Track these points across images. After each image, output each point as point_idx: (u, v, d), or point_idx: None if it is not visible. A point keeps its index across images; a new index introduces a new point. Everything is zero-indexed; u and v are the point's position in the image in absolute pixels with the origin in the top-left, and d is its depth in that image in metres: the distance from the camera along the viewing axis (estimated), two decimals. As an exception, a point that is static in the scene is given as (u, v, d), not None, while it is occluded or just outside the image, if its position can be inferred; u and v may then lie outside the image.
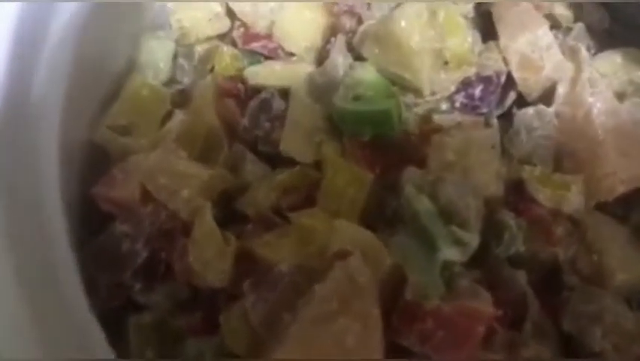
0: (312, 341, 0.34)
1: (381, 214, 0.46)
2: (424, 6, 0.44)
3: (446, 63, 0.48)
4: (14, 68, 0.39)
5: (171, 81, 0.55)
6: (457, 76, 0.48)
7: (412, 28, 0.44)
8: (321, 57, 0.53)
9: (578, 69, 0.49)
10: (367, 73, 0.47)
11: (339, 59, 0.48)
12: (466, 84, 0.49)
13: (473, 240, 0.39)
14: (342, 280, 0.36)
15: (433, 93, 0.48)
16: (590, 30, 0.55)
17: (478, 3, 0.53)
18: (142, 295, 0.43)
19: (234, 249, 0.43)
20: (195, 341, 0.42)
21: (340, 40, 0.49)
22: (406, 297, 0.38)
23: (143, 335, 0.42)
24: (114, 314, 0.42)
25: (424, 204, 0.39)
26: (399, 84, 0.48)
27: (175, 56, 0.55)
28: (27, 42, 0.40)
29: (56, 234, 0.37)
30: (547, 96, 0.51)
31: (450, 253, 0.39)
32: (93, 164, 0.48)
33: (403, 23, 0.44)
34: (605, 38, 0.56)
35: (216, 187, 0.46)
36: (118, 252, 0.42)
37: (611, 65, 0.53)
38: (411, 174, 0.43)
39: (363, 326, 0.35)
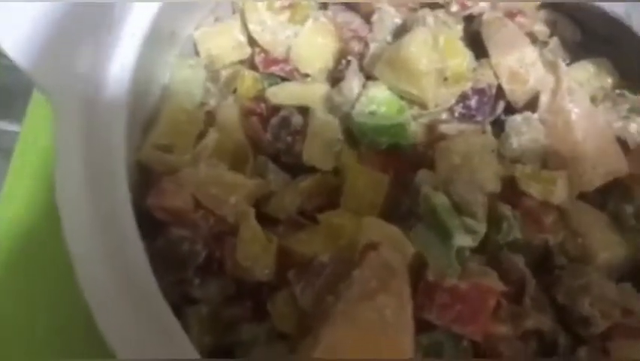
0: (357, 316, 0.41)
1: (396, 211, 0.53)
2: (430, 33, 0.51)
3: (446, 79, 0.54)
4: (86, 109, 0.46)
5: (201, 103, 0.61)
6: (456, 90, 0.55)
7: (420, 52, 0.50)
8: (333, 77, 0.59)
9: (558, 81, 0.55)
10: (380, 91, 0.53)
11: (355, 80, 0.54)
12: (463, 97, 0.55)
13: (482, 228, 0.46)
14: (377, 265, 0.43)
15: (435, 106, 0.54)
16: (564, 43, 0.61)
17: (467, 25, 0.61)
18: (199, 290, 0.49)
19: (277, 245, 0.49)
20: (250, 327, 0.48)
21: (354, 64, 0.56)
22: (428, 278, 0.44)
23: (202, 325, 0.48)
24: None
25: (441, 200, 0.46)
26: (406, 99, 0.54)
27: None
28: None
29: (134, 246, 0.43)
30: (531, 104, 0.57)
31: (463, 240, 0.45)
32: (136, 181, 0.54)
33: (412, 49, 0.50)
34: (578, 50, 0.62)
35: (257, 194, 0.52)
36: (179, 253, 0.48)
37: (584, 74, 0.59)
38: (424, 176, 0.50)
39: (399, 301, 0.41)
